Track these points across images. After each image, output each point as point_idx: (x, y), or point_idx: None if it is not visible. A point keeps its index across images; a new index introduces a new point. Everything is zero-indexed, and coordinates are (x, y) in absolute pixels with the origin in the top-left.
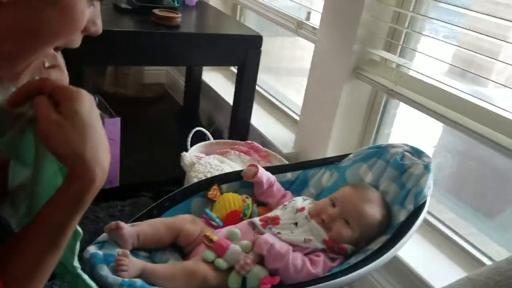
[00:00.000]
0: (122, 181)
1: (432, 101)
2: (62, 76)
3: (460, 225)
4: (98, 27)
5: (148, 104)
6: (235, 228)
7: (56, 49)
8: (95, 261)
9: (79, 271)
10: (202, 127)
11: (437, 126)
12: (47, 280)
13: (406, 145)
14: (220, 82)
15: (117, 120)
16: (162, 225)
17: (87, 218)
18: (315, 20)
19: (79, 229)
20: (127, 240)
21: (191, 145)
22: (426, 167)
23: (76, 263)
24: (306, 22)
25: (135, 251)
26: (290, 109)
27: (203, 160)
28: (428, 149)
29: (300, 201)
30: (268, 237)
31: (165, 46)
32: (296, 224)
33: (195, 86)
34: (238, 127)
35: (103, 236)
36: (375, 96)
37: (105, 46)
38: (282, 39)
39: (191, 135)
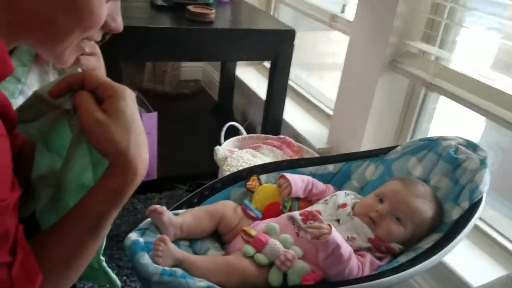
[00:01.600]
0: (159, 174)
1: (474, 95)
2: (99, 64)
3: (503, 224)
4: (118, 24)
5: (184, 100)
6: (273, 223)
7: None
8: (136, 248)
9: (104, 263)
10: (236, 122)
11: (480, 122)
12: (83, 270)
13: (460, 137)
14: (253, 77)
15: (154, 114)
16: (204, 213)
17: (126, 209)
18: (349, 14)
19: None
20: (167, 227)
21: (225, 140)
22: (482, 162)
23: (101, 256)
24: (340, 15)
25: (176, 241)
26: (324, 104)
27: (235, 154)
28: None
29: (342, 196)
30: (336, 236)
31: (199, 42)
32: (338, 221)
33: (229, 81)
34: (271, 122)
35: (145, 223)
36: (413, 89)
37: (142, 42)
38: (318, 33)
39: (224, 129)
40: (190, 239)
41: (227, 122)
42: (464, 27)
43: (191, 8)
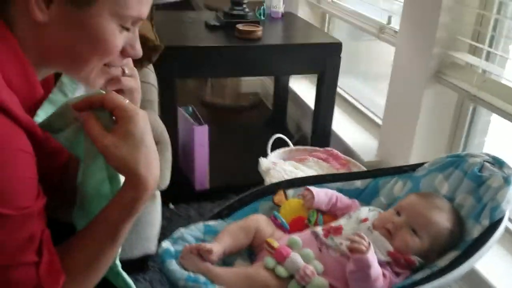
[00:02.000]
0: (211, 184)
1: None
2: (136, 85)
3: None
4: (137, 51)
5: (242, 113)
6: (296, 237)
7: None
8: (166, 256)
9: (119, 268)
10: (288, 133)
11: None
12: (104, 273)
13: (488, 154)
14: (305, 89)
15: (205, 128)
16: (240, 230)
17: (180, 216)
18: (396, 24)
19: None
20: (214, 261)
21: (273, 151)
22: (506, 180)
23: (117, 261)
24: (388, 26)
25: None
26: (374, 113)
27: (278, 166)
28: None
29: (365, 212)
30: (371, 256)
31: (248, 58)
32: None
33: (283, 93)
34: (319, 134)
35: (177, 232)
36: (462, 101)
37: (195, 59)
38: (374, 43)
39: (271, 141)
40: None
41: (279, 133)
42: None
43: (239, 26)
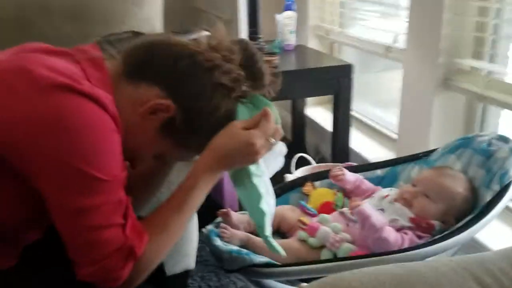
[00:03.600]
0: (240, 207)
1: None
2: None
3: None
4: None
5: None
6: (326, 215)
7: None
8: (211, 235)
9: (268, 238)
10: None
11: None
12: (178, 239)
13: (494, 133)
14: (321, 114)
15: None
16: None
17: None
18: (401, 43)
19: (264, 210)
20: (237, 225)
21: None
22: None
23: (267, 232)
24: (394, 45)
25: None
26: (390, 130)
27: None
28: None
29: (387, 190)
30: (367, 208)
31: None
32: (382, 210)
33: (300, 120)
34: (339, 151)
35: (218, 219)
36: (471, 103)
37: None
38: (382, 74)
39: (295, 160)
40: None
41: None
42: None
43: None
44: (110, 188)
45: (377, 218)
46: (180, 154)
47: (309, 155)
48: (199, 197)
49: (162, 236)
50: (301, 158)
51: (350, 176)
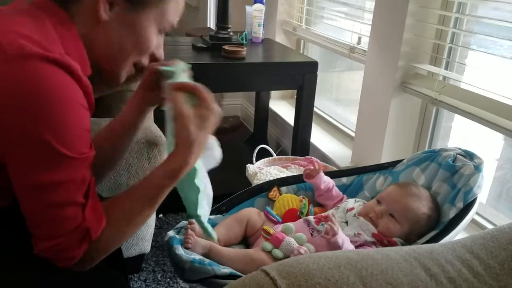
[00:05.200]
0: None
1: (479, 108)
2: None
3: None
4: (161, 54)
5: (224, 134)
6: (290, 223)
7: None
8: (172, 242)
9: (201, 219)
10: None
11: (499, 139)
12: (138, 229)
13: (459, 148)
14: (284, 108)
15: None
16: (233, 221)
17: (170, 224)
18: (365, 45)
19: (200, 186)
20: (200, 232)
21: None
22: (477, 167)
23: (199, 211)
24: (357, 46)
25: None
26: (348, 128)
27: (264, 170)
28: (491, 162)
29: (352, 202)
30: (340, 239)
31: (233, 75)
32: (346, 222)
33: (263, 114)
34: (300, 144)
35: (182, 223)
36: (425, 108)
37: None
38: (348, 72)
39: (256, 151)
40: None
41: (263, 145)
42: (471, 49)
43: (226, 47)
44: (75, 165)
45: (346, 248)
46: (158, 21)
47: (270, 147)
48: (168, 192)
49: (126, 223)
50: (262, 149)
51: (325, 177)
